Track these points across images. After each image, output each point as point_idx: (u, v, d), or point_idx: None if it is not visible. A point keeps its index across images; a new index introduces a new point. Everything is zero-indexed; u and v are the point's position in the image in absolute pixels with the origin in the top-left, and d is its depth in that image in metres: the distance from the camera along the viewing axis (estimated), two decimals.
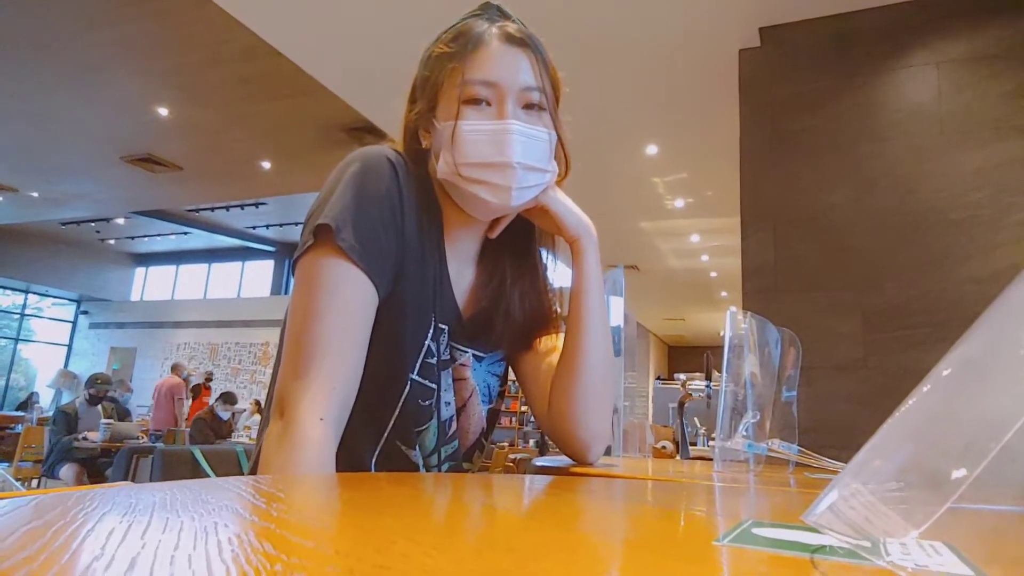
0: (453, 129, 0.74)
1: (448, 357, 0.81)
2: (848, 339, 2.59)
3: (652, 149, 4.76)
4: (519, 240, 0.88)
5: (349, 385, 0.68)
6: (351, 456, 0.76)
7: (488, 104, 0.75)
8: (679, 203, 5.95)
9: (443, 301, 0.80)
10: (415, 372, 0.77)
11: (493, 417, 0.90)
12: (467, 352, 0.83)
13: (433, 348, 0.78)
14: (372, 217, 0.71)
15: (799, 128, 2.88)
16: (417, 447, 0.79)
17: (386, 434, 0.77)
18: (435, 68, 0.79)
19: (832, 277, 2.68)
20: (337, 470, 0.66)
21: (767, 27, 3.06)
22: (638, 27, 3.28)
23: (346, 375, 0.68)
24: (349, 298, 0.69)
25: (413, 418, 0.77)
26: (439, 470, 0.82)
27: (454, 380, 0.82)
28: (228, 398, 5.91)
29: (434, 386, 0.78)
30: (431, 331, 0.78)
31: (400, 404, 0.76)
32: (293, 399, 0.65)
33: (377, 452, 0.78)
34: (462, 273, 0.84)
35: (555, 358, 0.87)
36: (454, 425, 0.82)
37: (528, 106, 0.76)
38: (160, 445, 4.80)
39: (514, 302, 0.85)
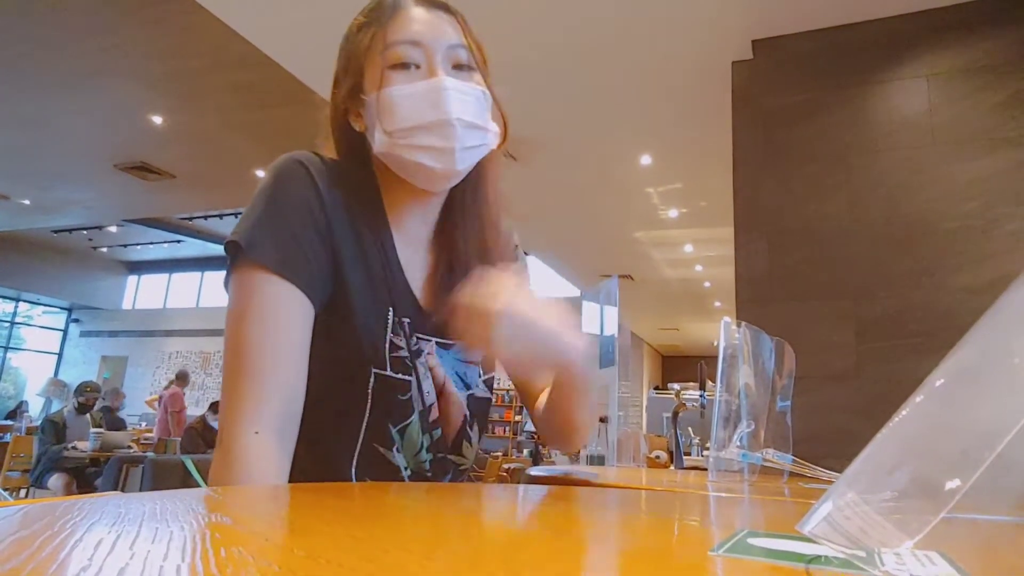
0: (379, 96, 0.72)
1: (417, 348, 0.77)
2: (841, 349, 2.60)
3: (646, 159, 4.78)
4: (460, 220, 0.83)
5: (285, 394, 0.66)
6: (329, 467, 0.74)
7: (416, 67, 0.73)
8: (673, 213, 5.98)
9: (398, 293, 0.76)
10: (386, 368, 0.74)
11: (477, 406, 0.85)
12: (430, 341, 0.79)
13: (398, 342, 0.75)
14: (287, 224, 0.69)
15: (792, 139, 2.90)
16: (397, 448, 0.76)
17: (361, 437, 0.74)
18: (355, 41, 0.76)
19: (825, 287, 2.69)
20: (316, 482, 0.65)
21: (760, 39, 3.08)
22: (632, 39, 3.31)
23: (280, 385, 0.65)
24: (272, 309, 0.67)
25: (390, 415, 0.75)
26: (426, 465, 0.78)
27: (429, 368, 0.78)
28: (216, 407, 5.86)
29: (409, 378, 0.75)
30: (390, 325, 0.75)
31: (369, 403, 0.73)
32: (226, 420, 0.64)
33: (355, 459, 0.75)
34: (417, 259, 0.81)
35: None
36: (435, 412, 0.79)
37: (457, 66, 0.74)
38: (150, 455, 4.76)
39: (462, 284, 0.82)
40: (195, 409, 9.44)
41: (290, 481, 0.66)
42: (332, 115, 0.80)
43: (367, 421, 0.74)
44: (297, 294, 0.68)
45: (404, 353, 0.75)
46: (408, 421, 0.76)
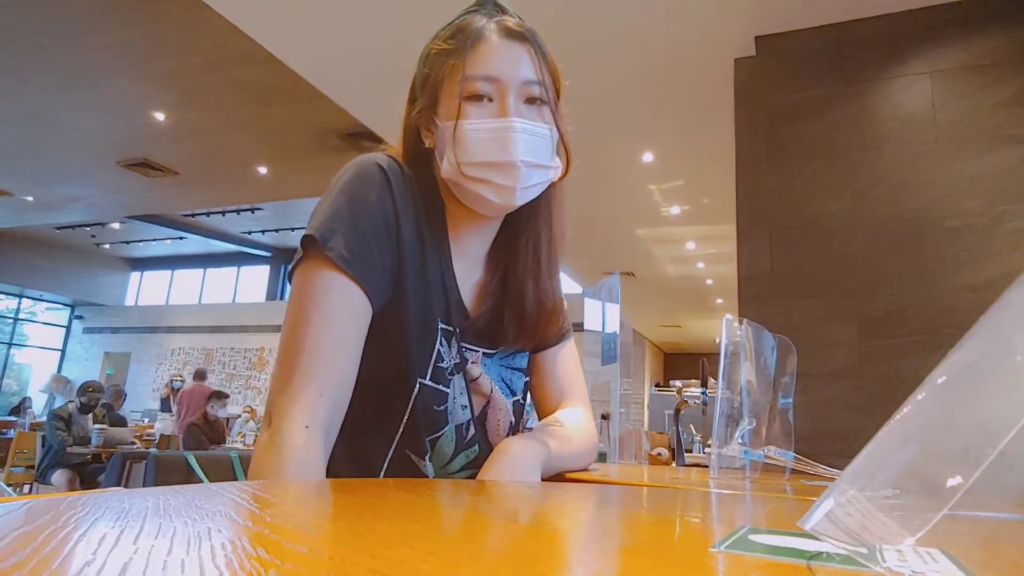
0: (455, 128, 0.73)
1: (460, 360, 0.79)
2: (844, 346, 2.60)
3: (648, 156, 4.77)
4: (521, 237, 0.86)
5: (337, 392, 0.67)
6: (361, 468, 0.76)
7: (490, 100, 0.74)
8: (675, 210, 5.97)
9: (450, 304, 0.79)
10: (427, 377, 0.75)
11: (518, 409, 0.88)
12: (477, 351, 0.82)
13: (443, 352, 0.77)
14: (362, 225, 0.71)
15: (795, 136, 2.89)
16: (428, 458, 0.77)
17: (395, 443, 0.76)
18: (434, 66, 0.78)
19: (828, 284, 2.69)
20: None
21: (762, 36, 3.07)
22: (634, 36, 3.30)
23: (334, 382, 0.67)
24: (336, 306, 0.68)
25: (425, 425, 0.76)
26: (455, 478, 0.80)
27: (468, 382, 0.80)
28: (219, 395, 5.86)
29: (447, 390, 0.77)
30: (439, 335, 0.77)
31: (408, 410, 0.75)
32: (280, 408, 0.64)
33: (387, 462, 0.76)
34: (471, 273, 0.83)
35: (558, 370, 0.91)
36: (472, 429, 0.80)
37: (529, 100, 0.76)
38: (153, 451, 4.78)
39: (516, 296, 0.83)
40: None
41: None
42: (405, 125, 0.83)
43: (403, 428, 0.75)
44: (360, 295, 0.70)
45: (446, 364, 0.77)
46: (441, 433, 0.77)
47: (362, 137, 5.93)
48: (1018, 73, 2.57)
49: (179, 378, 8.01)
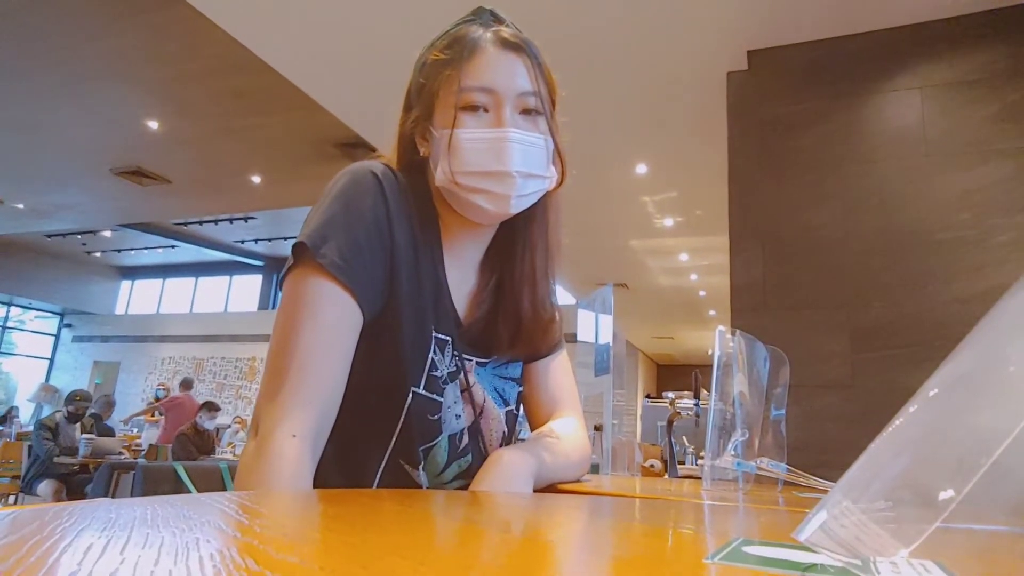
0: (450, 137, 0.73)
1: (455, 368, 0.79)
2: (836, 358, 2.61)
3: (642, 168, 4.80)
4: (517, 245, 0.85)
5: (326, 401, 0.67)
6: (353, 478, 0.75)
7: (486, 111, 0.74)
8: (668, 222, 6.00)
9: (443, 312, 0.78)
10: (421, 386, 0.75)
11: (511, 419, 0.88)
12: (471, 360, 0.82)
13: (437, 361, 0.77)
14: (355, 233, 0.70)
15: (787, 149, 2.92)
16: (422, 468, 0.76)
17: (388, 452, 0.75)
18: (431, 75, 0.78)
19: (820, 296, 2.70)
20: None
21: (755, 50, 3.11)
22: (628, 49, 3.33)
23: (321, 391, 0.66)
24: (327, 314, 0.68)
25: (419, 434, 0.75)
26: (448, 488, 0.79)
27: (461, 391, 0.80)
28: (210, 407, 5.81)
29: (441, 399, 0.77)
30: (432, 343, 0.76)
31: (402, 420, 0.74)
32: (267, 417, 0.64)
33: (380, 472, 0.76)
34: (465, 280, 0.83)
35: (551, 381, 0.91)
36: (465, 438, 0.80)
37: (525, 111, 0.76)
38: (142, 461, 4.73)
39: (510, 304, 0.83)
40: None
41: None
42: (400, 131, 0.83)
43: (397, 437, 0.75)
44: (351, 303, 0.69)
45: (440, 373, 0.77)
46: (434, 442, 0.77)
47: (356, 147, 5.94)
48: (1006, 88, 2.61)
49: (164, 387, 7.93)
